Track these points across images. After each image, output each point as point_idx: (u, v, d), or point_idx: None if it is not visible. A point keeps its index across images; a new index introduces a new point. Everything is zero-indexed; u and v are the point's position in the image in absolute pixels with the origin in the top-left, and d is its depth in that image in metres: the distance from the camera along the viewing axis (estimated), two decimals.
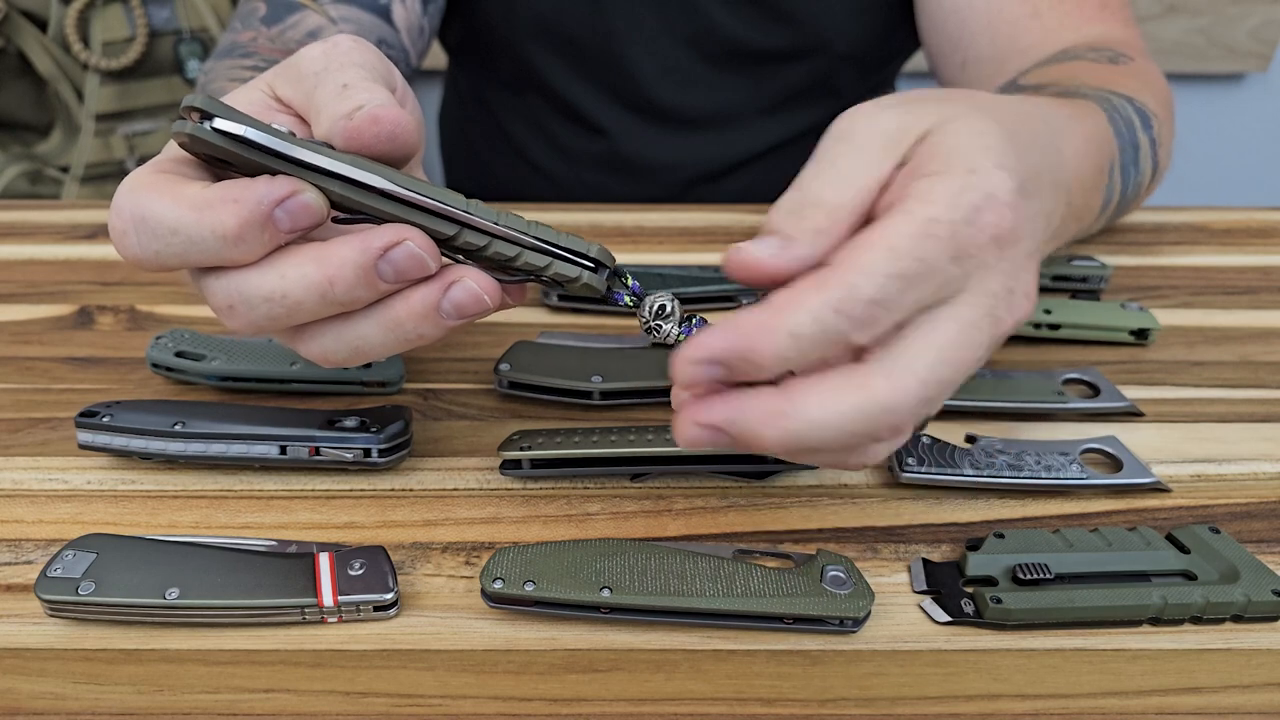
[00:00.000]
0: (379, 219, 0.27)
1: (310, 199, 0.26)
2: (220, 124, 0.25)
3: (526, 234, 0.28)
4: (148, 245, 0.26)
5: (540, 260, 0.28)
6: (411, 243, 0.26)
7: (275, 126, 0.26)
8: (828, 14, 0.67)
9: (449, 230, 0.27)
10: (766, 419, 0.25)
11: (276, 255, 0.27)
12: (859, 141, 0.28)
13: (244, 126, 0.25)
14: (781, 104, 0.72)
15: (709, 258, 0.54)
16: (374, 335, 0.28)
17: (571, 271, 0.28)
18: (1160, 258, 0.54)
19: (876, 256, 0.24)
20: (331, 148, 0.27)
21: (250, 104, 0.30)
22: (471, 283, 0.27)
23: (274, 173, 0.26)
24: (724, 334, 0.24)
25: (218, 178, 0.28)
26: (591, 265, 0.29)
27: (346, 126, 0.27)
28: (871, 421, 0.25)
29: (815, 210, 0.26)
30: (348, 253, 0.26)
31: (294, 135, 0.26)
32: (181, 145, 0.27)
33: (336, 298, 0.26)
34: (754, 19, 0.67)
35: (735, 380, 0.25)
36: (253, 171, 0.26)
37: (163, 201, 0.26)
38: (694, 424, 0.25)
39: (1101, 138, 0.43)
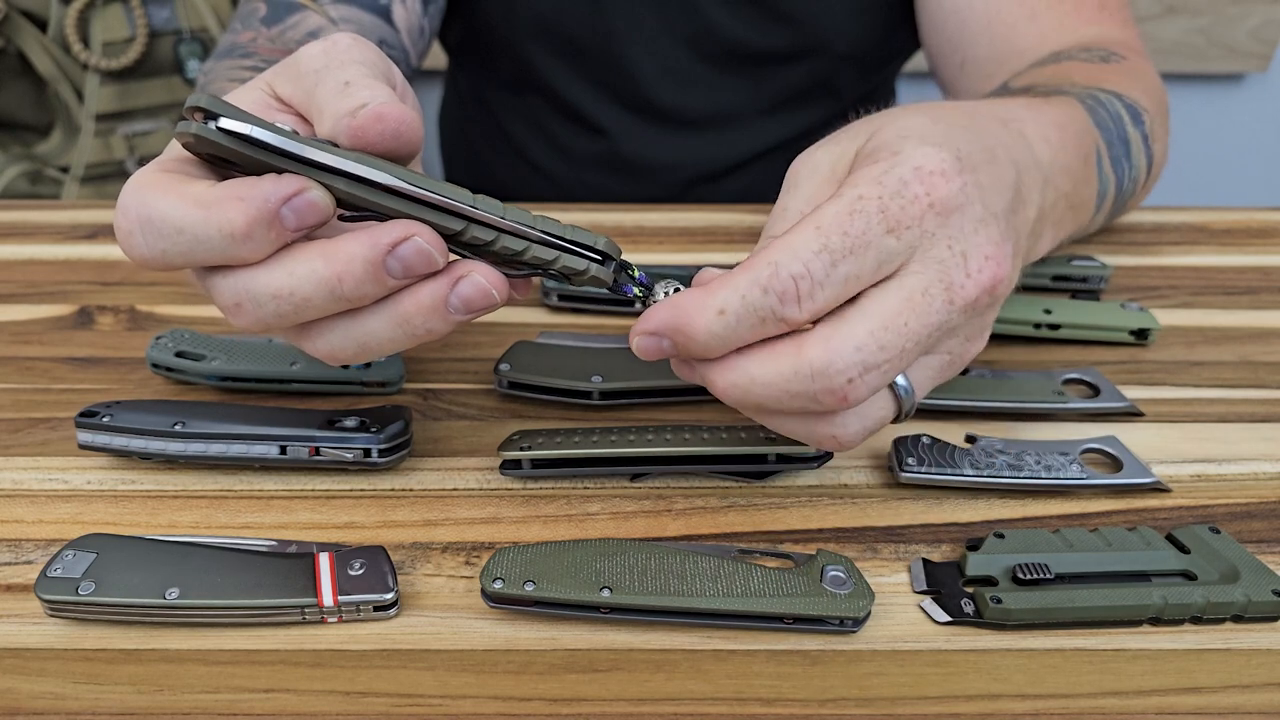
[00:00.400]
0: (385, 216, 0.27)
1: (316, 196, 0.26)
2: (225, 123, 0.25)
3: (534, 228, 0.28)
4: (154, 244, 0.26)
5: (548, 254, 0.28)
6: (419, 238, 0.26)
7: (279, 125, 0.26)
8: (827, 14, 0.67)
9: (456, 225, 0.27)
10: (720, 368, 0.28)
11: (284, 253, 0.27)
12: (801, 181, 0.31)
13: (249, 125, 0.25)
14: (782, 104, 0.72)
15: (709, 258, 0.54)
16: (382, 331, 0.28)
17: (579, 264, 0.28)
18: (1160, 258, 0.54)
19: (802, 235, 0.26)
20: (336, 145, 0.27)
21: (250, 104, 0.30)
22: (479, 277, 0.27)
23: (279, 171, 0.26)
24: (664, 310, 0.27)
25: (222, 177, 0.28)
26: (599, 257, 0.29)
27: (350, 125, 0.27)
28: (805, 382, 0.26)
29: None
30: (356, 249, 0.26)
31: (298, 134, 0.26)
32: (185, 145, 0.27)
33: (345, 294, 0.26)
34: (753, 19, 0.67)
35: (680, 354, 0.28)
36: (257, 171, 0.26)
37: (169, 200, 0.26)
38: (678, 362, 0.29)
39: (1077, 126, 0.43)
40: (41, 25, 1.02)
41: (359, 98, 0.27)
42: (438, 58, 0.82)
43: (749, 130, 0.73)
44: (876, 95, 0.77)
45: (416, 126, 0.27)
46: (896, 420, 0.30)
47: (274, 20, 0.56)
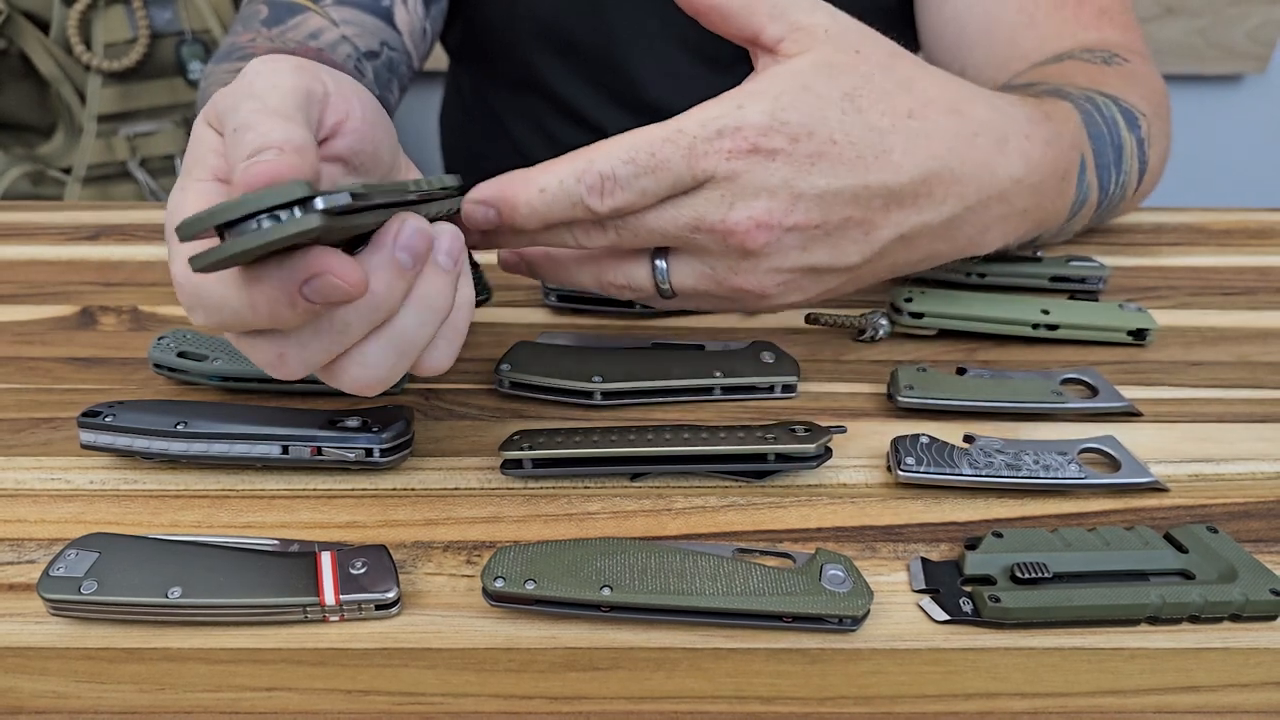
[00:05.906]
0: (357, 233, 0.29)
1: (331, 278, 0.27)
2: (208, 258, 0.25)
3: (410, 192, 0.30)
4: (211, 318, 0.29)
5: (435, 209, 0.31)
6: (411, 224, 0.29)
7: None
8: None
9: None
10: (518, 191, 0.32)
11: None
12: None
13: (229, 255, 0.25)
14: None
15: None
16: (410, 325, 0.30)
17: (453, 204, 0.33)
18: (1159, 258, 0.55)
19: (620, 143, 0.31)
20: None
21: (204, 195, 0.30)
22: (446, 239, 0.30)
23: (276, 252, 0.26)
24: (493, 183, 0.32)
25: None
26: (456, 192, 0.33)
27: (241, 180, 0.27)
28: (574, 184, 0.31)
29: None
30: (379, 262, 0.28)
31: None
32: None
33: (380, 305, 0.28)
34: None
35: (505, 225, 0.32)
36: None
37: (212, 282, 0.28)
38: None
39: (1064, 141, 0.43)
40: (43, 27, 1.02)
41: (248, 144, 0.27)
42: (439, 58, 0.82)
43: None
44: None
45: (299, 167, 0.27)
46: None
47: (275, 21, 0.56)
